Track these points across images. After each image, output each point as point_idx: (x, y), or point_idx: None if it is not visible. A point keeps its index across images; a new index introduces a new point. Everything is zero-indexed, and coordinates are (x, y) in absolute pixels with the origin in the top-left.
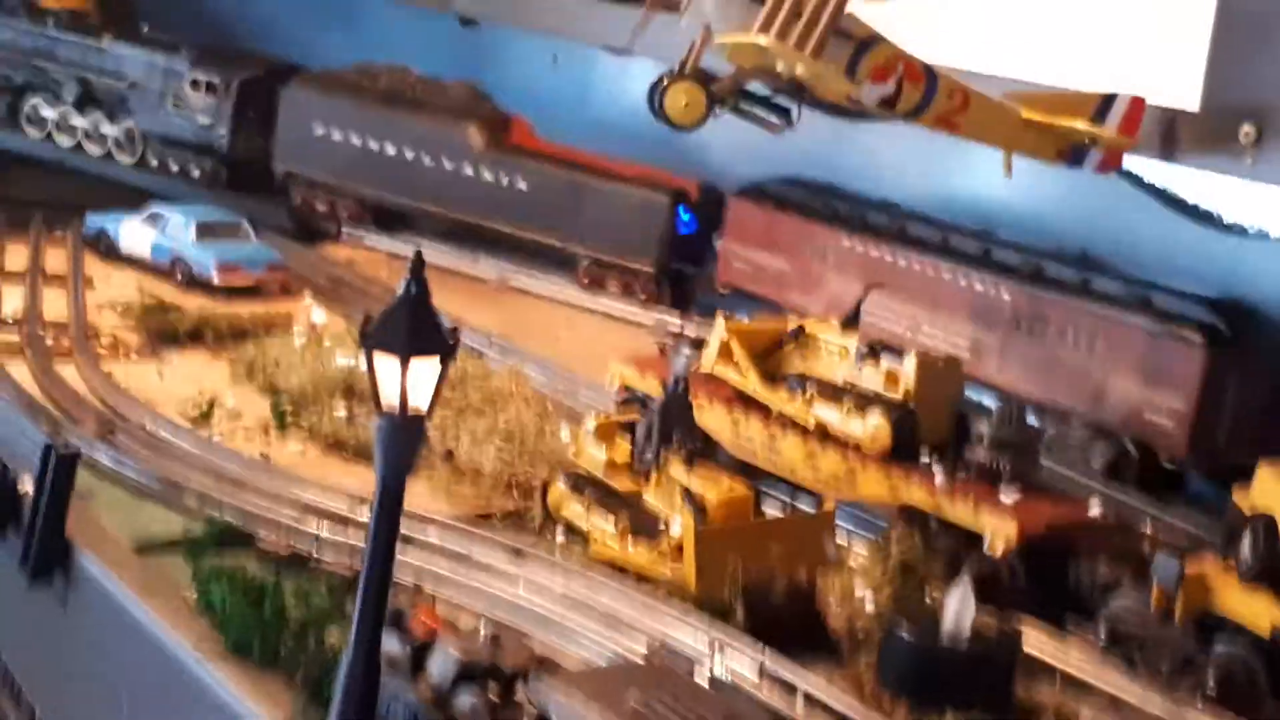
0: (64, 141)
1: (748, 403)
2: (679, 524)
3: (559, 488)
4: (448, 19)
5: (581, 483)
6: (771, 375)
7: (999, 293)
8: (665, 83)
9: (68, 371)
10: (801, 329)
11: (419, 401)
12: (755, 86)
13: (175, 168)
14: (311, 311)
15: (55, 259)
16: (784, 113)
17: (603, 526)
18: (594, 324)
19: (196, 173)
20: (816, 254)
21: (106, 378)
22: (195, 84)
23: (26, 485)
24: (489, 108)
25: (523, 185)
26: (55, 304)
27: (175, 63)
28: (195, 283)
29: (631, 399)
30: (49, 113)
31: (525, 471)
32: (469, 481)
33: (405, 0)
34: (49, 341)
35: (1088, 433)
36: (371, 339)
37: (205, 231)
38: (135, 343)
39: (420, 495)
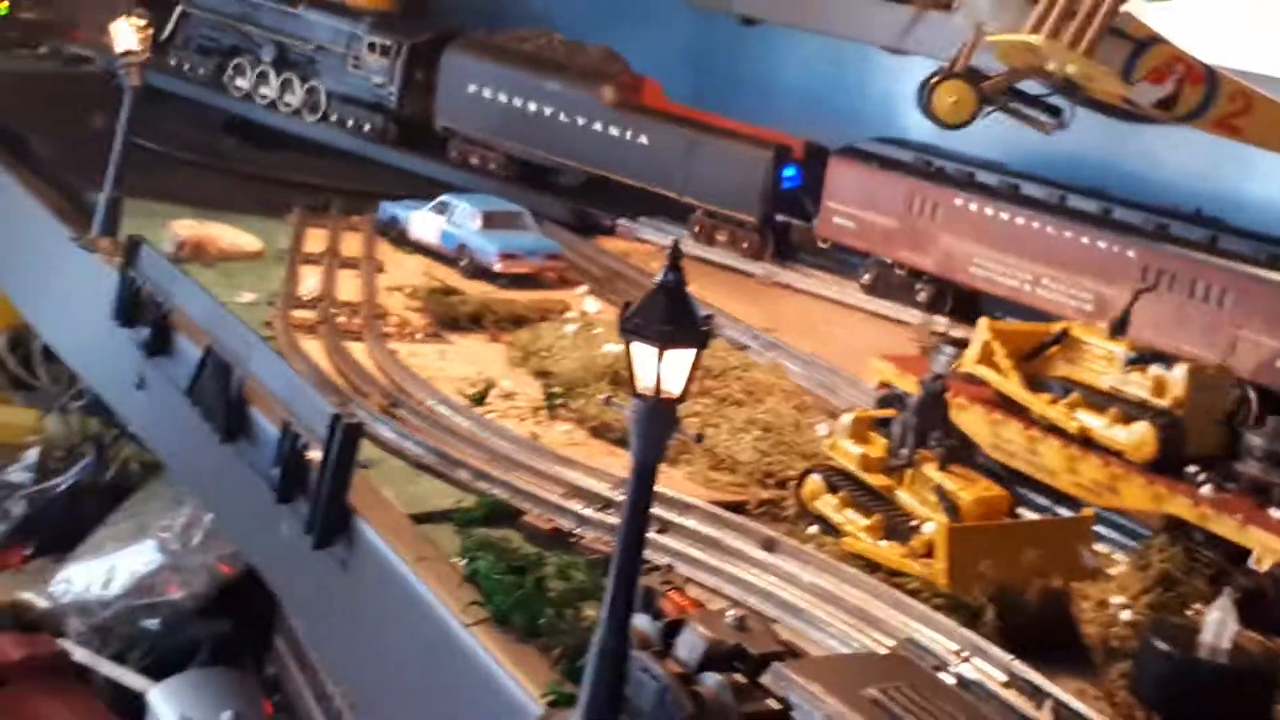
0: (262, 102)
1: (1008, 405)
2: (932, 522)
3: (813, 481)
4: (729, 20)
5: (836, 477)
6: (1033, 378)
7: (1123, 250)
8: (934, 81)
9: (357, 349)
10: (1066, 332)
11: (672, 386)
12: (1027, 86)
13: (350, 123)
14: (585, 300)
15: (350, 243)
16: (1056, 113)
17: (855, 521)
18: (859, 322)
19: (367, 128)
20: (925, 211)
21: (392, 356)
22: (371, 46)
23: (315, 455)
24: (621, 69)
25: (644, 140)
26: (348, 286)
27: (357, 27)
28: (478, 270)
29: (891, 397)
30: (247, 77)
31: (781, 463)
32: (726, 470)
33: (693, 4)
34: (341, 320)
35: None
36: (630, 326)
37: (490, 221)
38: (420, 324)
39: (678, 482)
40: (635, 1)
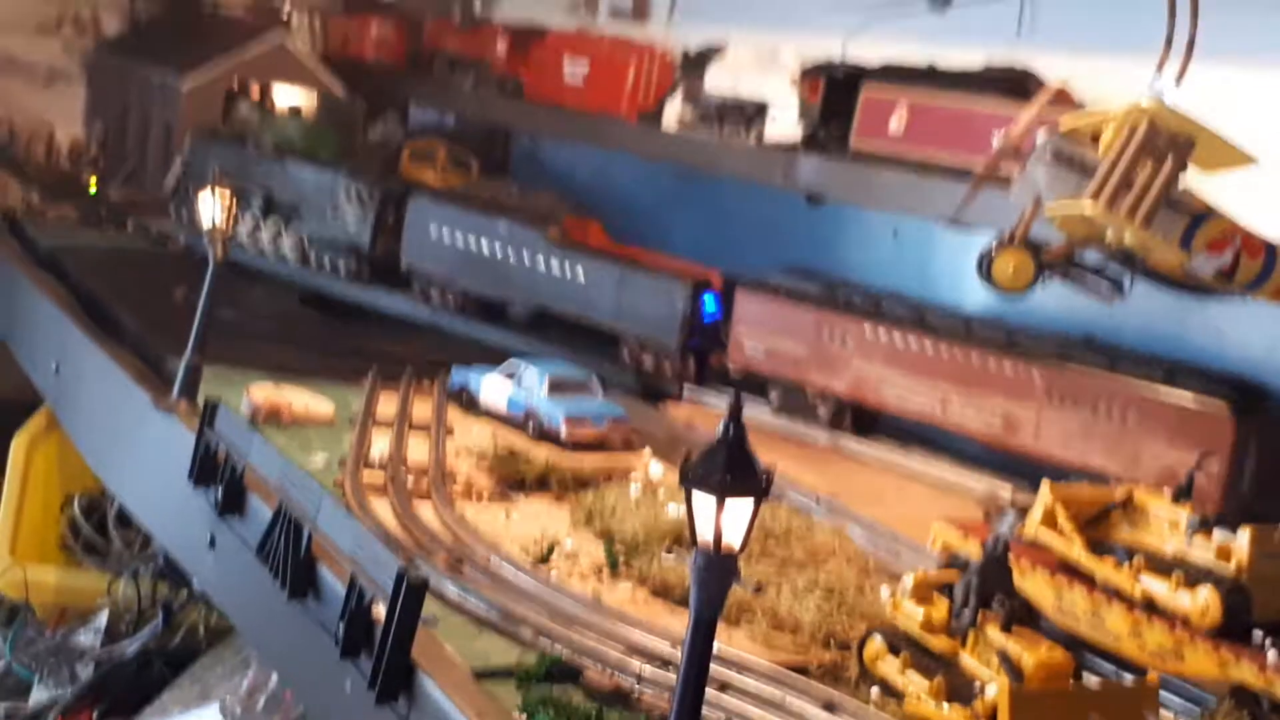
0: (251, 247)
1: (1071, 570)
2: (994, 685)
3: (875, 642)
4: (793, 197)
5: (898, 640)
6: (1097, 543)
7: (1028, 371)
8: (994, 250)
9: (424, 509)
10: (1129, 497)
11: (732, 537)
12: (1087, 256)
13: (328, 264)
14: (650, 465)
15: (421, 409)
16: (1115, 283)
17: (917, 683)
18: (922, 490)
19: (343, 269)
20: (832, 338)
21: (459, 517)
22: (349, 193)
23: (380, 610)
24: (564, 212)
25: (580, 275)
26: (418, 449)
27: (336, 178)
28: (545, 434)
29: (953, 562)
30: (246, 221)
31: (843, 625)
32: (788, 631)
33: (759, 181)
34: (409, 482)
35: None
36: (690, 476)
37: (556, 387)
38: (487, 487)
39: (739, 642)
40: (705, 183)
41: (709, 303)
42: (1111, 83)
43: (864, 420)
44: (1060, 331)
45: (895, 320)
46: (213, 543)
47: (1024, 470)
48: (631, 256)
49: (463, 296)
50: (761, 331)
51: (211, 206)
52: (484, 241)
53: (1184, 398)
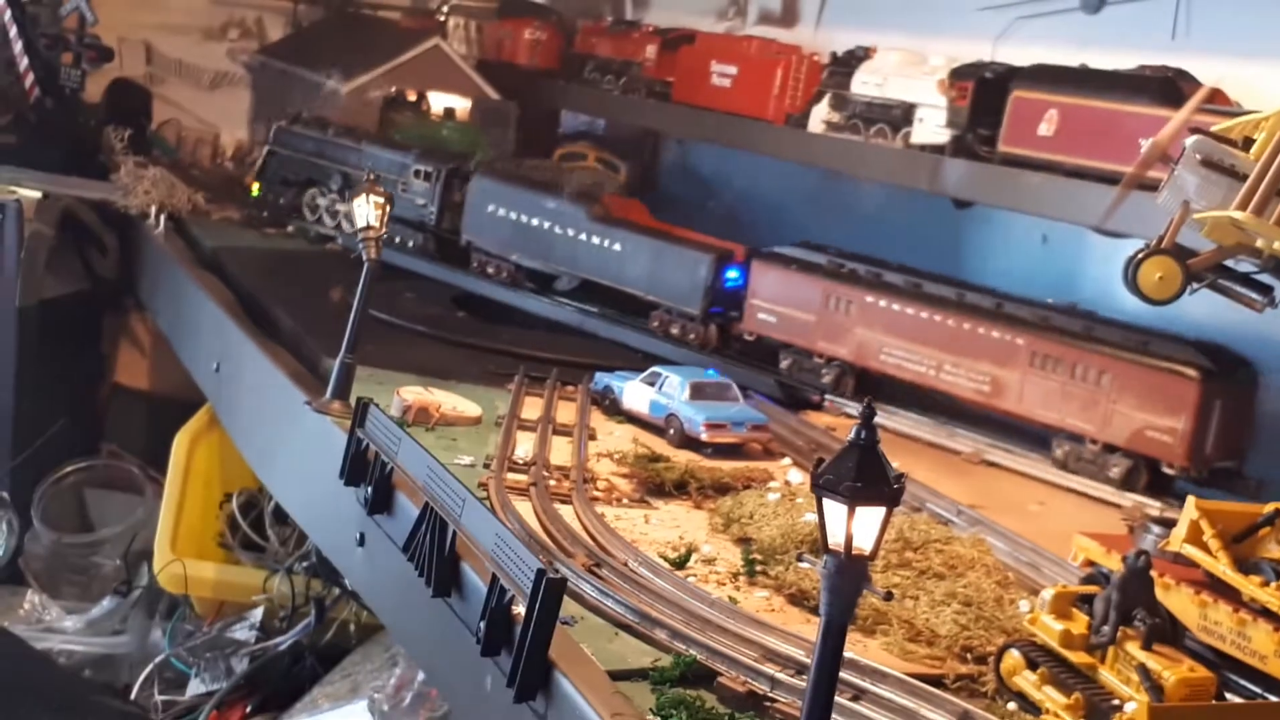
0: (330, 222)
1: (1216, 586)
2: (1134, 703)
3: (1013, 656)
4: (941, 201)
5: (1036, 653)
6: (1243, 559)
7: (1012, 339)
8: (1140, 257)
9: (565, 511)
10: (1278, 513)
11: (863, 543)
12: (1238, 264)
13: (398, 239)
14: (789, 471)
15: (565, 412)
16: (1265, 290)
17: (1055, 699)
18: (1067, 502)
19: (411, 243)
20: (837, 307)
21: (598, 518)
22: (417, 173)
23: (520, 610)
24: (609, 190)
25: (618, 248)
26: (561, 451)
27: (406, 158)
28: (686, 439)
29: (1094, 575)
30: (322, 201)
31: (981, 638)
32: (924, 643)
33: (905, 185)
34: (552, 483)
35: (1099, 448)
36: (821, 482)
37: (697, 392)
38: (627, 489)
39: (874, 652)
40: (851, 187)
41: (731, 274)
42: (1268, 87)
43: (865, 385)
44: (1045, 299)
45: (893, 290)
46: (362, 541)
47: (1010, 428)
48: (665, 231)
49: (515, 269)
50: (773, 300)
51: (365, 208)
52: (534, 218)
53: (1154, 363)
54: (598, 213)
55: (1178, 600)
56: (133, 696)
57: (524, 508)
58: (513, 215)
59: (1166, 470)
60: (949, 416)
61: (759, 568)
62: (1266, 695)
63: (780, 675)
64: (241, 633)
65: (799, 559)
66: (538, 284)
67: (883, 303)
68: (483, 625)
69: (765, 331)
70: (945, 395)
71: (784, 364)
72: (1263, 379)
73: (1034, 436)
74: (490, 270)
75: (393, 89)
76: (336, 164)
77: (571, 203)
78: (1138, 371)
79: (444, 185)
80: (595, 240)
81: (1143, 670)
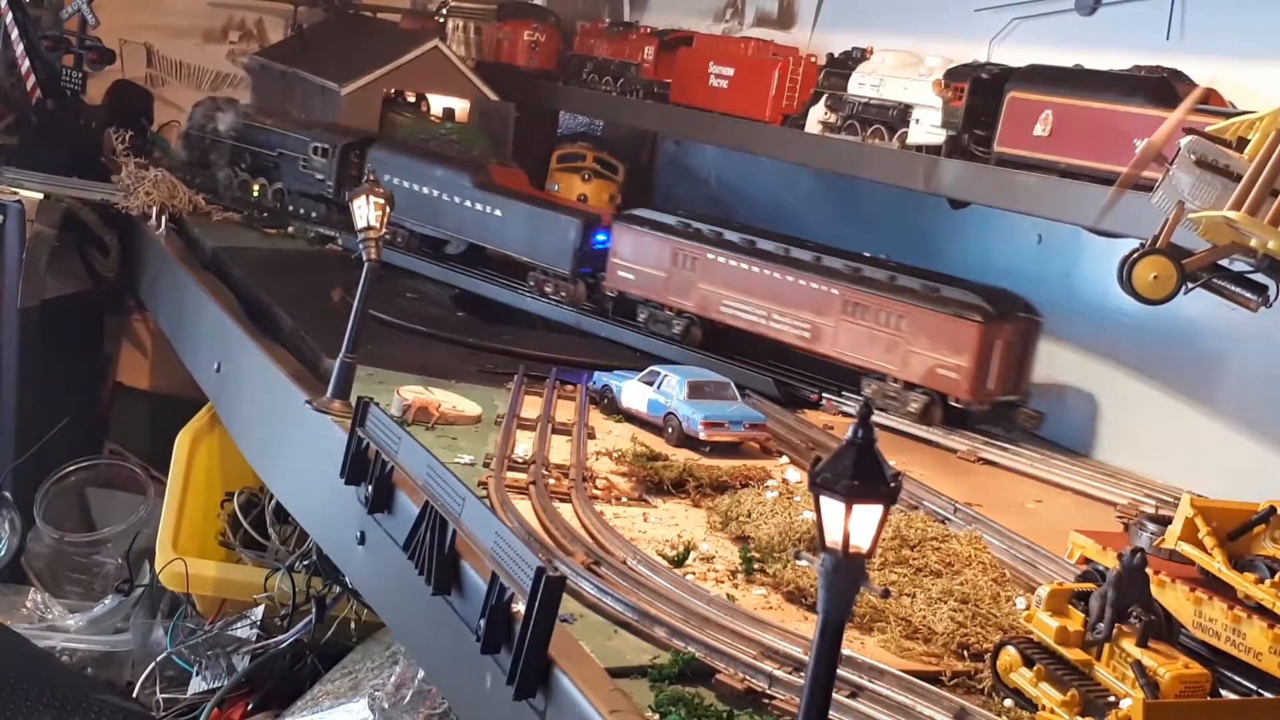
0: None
1: (1211, 583)
2: (1130, 699)
3: (1009, 653)
4: (936, 200)
5: (1032, 650)
6: (1238, 557)
7: (829, 289)
8: (1135, 257)
9: (565, 509)
10: (1273, 510)
11: (860, 541)
12: (1233, 263)
13: (301, 210)
14: (786, 469)
15: (564, 410)
16: (1260, 289)
17: (1051, 695)
18: (1063, 499)
19: (314, 214)
20: (684, 264)
21: (597, 517)
22: (315, 149)
23: (519, 608)
24: (492, 160)
25: (499, 213)
26: (560, 450)
27: (306, 136)
28: (684, 437)
29: (1090, 573)
30: (231, 177)
31: (977, 635)
32: (920, 640)
33: (901, 185)
34: (551, 482)
35: (900, 386)
36: (818, 480)
37: (695, 391)
38: (626, 488)
39: (871, 649)
40: (848, 187)
41: (599, 236)
42: (1262, 87)
43: (711, 335)
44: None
45: (730, 247)
46: (362, 539)
47: (828, 371)
48: (540, 198)
49: (409, 234)
50: (631, 259)
51: (366, 208)
52: (424, 186)
53: (943, 309)
54: (481, 181)
55: (1173, 597)
56: (135, 694)
57: (523, 506)
58: (405, 184)
59: (954, 404)
60: (780, 362)
61: (757, 565)
62: (1261, 692)
63: (778, 672)
64: (243, 631)
65: (797, 557)
66: (431, 249)
67: (721, 259)
68: (482, 623)
69: (625, 288)
70: (775, 342)
71: (641, 317)
72: (1043, 321)
73: (849, 376)
74: (386, 236)
75: (391, 89)
76: (250, 144)
77: (457, 172)
78: (929, 316)
79: (339, 160)
80: (479, 207)
81: (1138, 667)
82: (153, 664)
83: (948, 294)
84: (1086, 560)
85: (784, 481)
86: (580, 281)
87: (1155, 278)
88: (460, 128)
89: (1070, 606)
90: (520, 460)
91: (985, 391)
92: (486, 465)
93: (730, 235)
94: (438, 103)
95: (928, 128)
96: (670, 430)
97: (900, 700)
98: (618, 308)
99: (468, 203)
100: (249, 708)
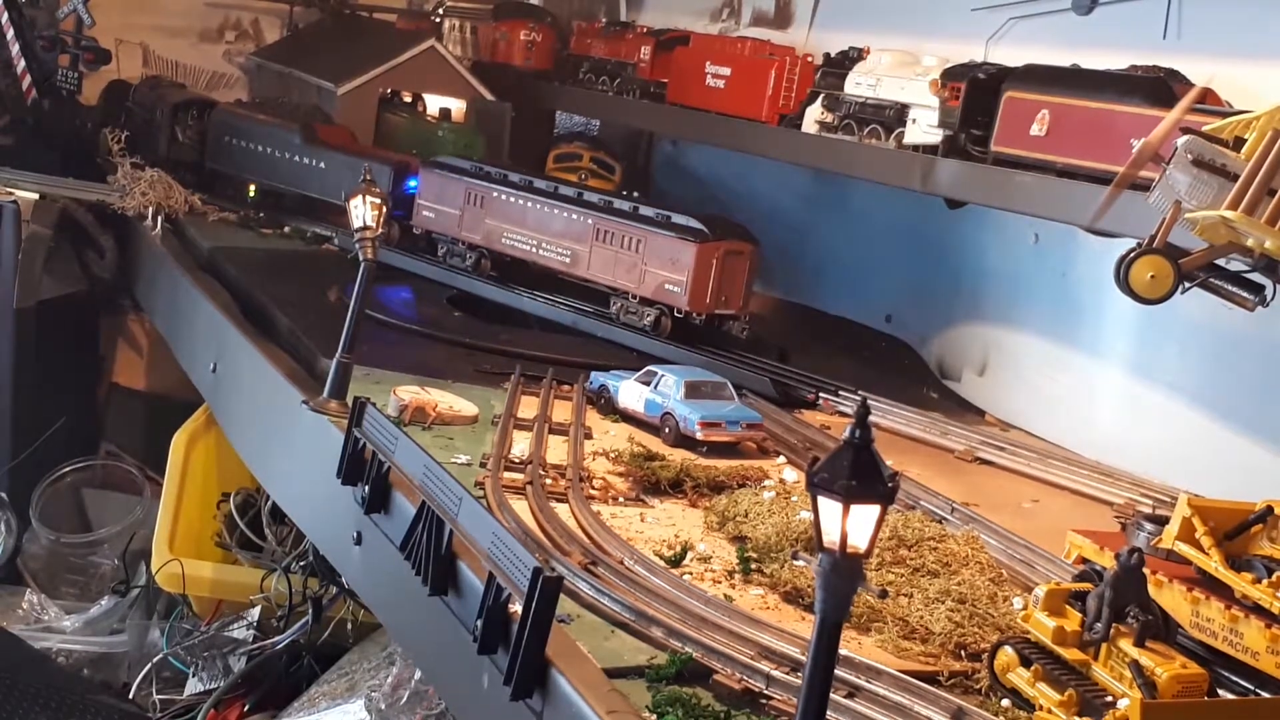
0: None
1: (1209, 583)
2: (1127, 699)
3: (1006, 653)
4: (933, 200)
5: (1030, 650)
6: (1235, 556)
7: (585, 219)
8: (1132, 256)
9: (561, 509)
10: (1270, 510)
11: (858, 541)
12: (1230, 263)
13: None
14: (784, 469)
15: (560, 411)
16: (1257, 289)
17: (1048, 695)
18: (1060, 499)
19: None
20: (474, 202)
21: (594, 517)
22: (160, 113)
23: (516, 608)
24: (321, 116)
25: (323, 165)
26: (557, 450)
27: (161, 99)
28: (681, 437)
29: (1088, 572)
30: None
31: (974, 635)
32: (918, 640)
33: (898, 185)
34: (548, 482)
35: (637, 302)
36: (816, 481)
37: (693, 391)
38: (623, 488)
39: (869, 649)
40: (845, 186)
41: (411, 182)
42: (1259, 87)
43: (497, 265)
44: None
45: (511, 185)
46: (359, 540)
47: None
48: (359, 150)
49: (244, 187)
50: (433, 200)
51: (362, 208)
52: (260, 144)
53: (669, 234)
54: (308, 136)
55: (1170, 597)
56: (131, 695)
57: (520, 506)
58: (243, 143)
59: (678, 315)
60: (550, 287)
61: (754, 566)
62: (1258, 691)
63: (775, 673)
64: (239, 632)
65: (794, 557)
66: (273, 200)
67: (502, 196)
68: (479, 623)
69: (428, 226)
70: (543, 268)
71: (440, 252)
72: (757, 245)
73: (600, 297)
74: (230, 192)
75: (387, 89)
76: (142, 110)
77: (287, 130)
78: (659, 240)
79: (172, 117)
80: (306, 160)
81: (1135, 667)
82: (149, 665)
83: (676, 220)
84: (1084, 560)
85: (781, 481)
86: (395, 224)
87: (1152, 277)
88: (457, 127)
89: (1067, 606)
90: (517, 460)
91: (703, 304)
92: (483, 465)
93: (513, 176)
94: (434, 103)
95: (924, 127)
96: (667, 430)
97: (897, 700)
98: (425, 246)
99: (297, 157)
100: (245, 709)
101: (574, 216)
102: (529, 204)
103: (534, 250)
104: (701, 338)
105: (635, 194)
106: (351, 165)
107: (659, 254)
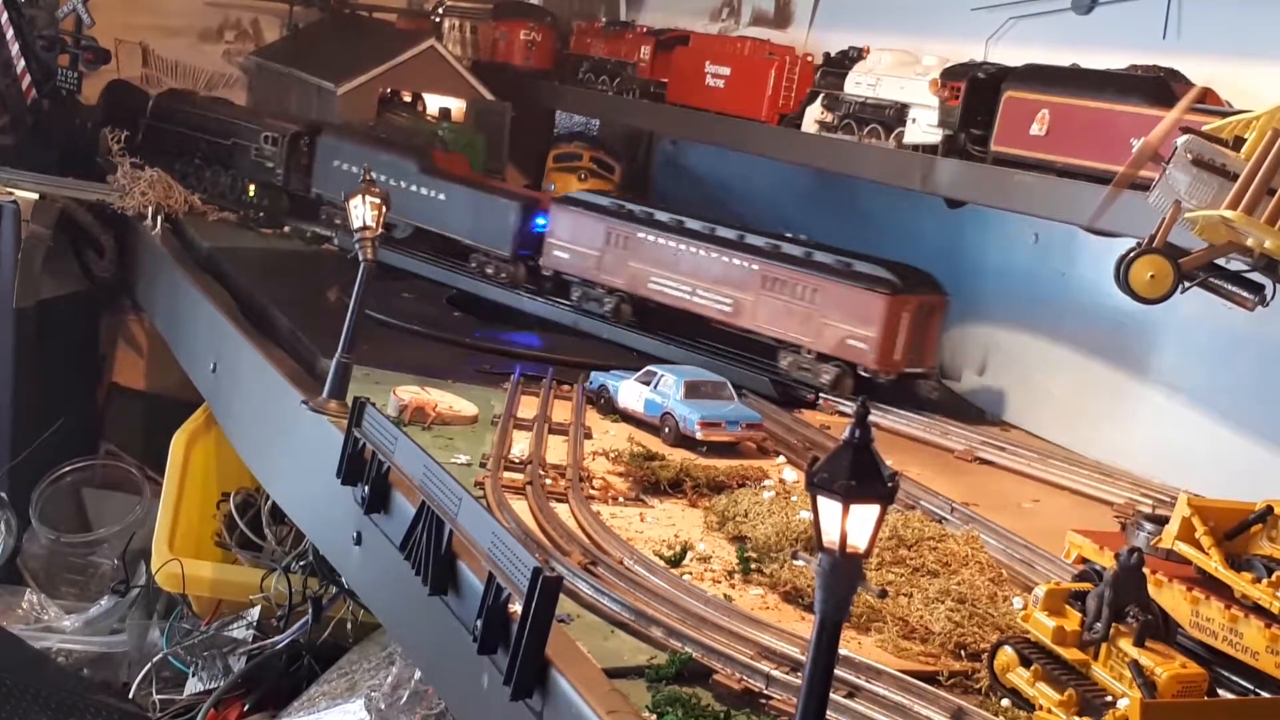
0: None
1: (1208, 583)
2: (1127, 699)
3: (1006, 653)
4: (933, 199)
5: (1029, 650)
6: (1235, 556)
7: (749, 265)
8: (1132, 256)
9: (561, 509)
10: (1270, 510)
11: (858, 541)
12: (1230, 263)
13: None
14: (783, 469)
15: (560, 410)
16: (1257, 289)
17: (1048, 695)
18: (1060, 499)
19: (266, 200)
20: (616, 243)
21: (594, 517)
22: (266, 139)
23: (516, 608)
24: (436, 146)
25: (443, 197)
26: (557, 450)
27: (254, 124)
28: (680, 437)
29: (1087, 572)
30: (193, 165)
31: (974, 635)
32: (918, 640)
33: (898, 184)
34: (548, 482)
35: (813, 358)
36: (816, 480)
37: (692, 391)
38: (623, 488)
39: (868, 649)
40: (845, 186)
41: (540, 220)
42: (1259, 86)
43: (641, 312)
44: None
45: (659, 226)
46: (359, 540)
47: (749, 344)
48: (482, 182)
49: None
50: (566, 239)
51: (362, 208)
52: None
53: (853, 283)
54: (425, 166)
55: (1170, 597)
56: (131, 695)
57: (520, 506)
58: (353, 169)
59: (864, 374)
60: (702, 337)
61: (754, 565)
62: (1258, 691)
63: (775, 672)
64: (239, 631)
65: (794, 557)
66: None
67: (650, 238)
68: (479, 623)
69: (560, 268)
70: (698, 317)
71: (574, 296)
72: (949, 297)
73: (767, 349)
74: (338, 221)
75: (387, 89)
76: (204, 134)
77: (402, 157)
78: (840, 290)
79: (289, 148)
80: (424, 191)
81: (1135, 667)
82: (149, 665)
83: (859, 269)
84: (1083, 560)
85: (781, 481)
86: (520, 263)
87: (1152, 277)
88: (456, 127)
89: (1067, 606)
90: (517, 460)
91: (892, 362)
92: (483, 465)
93: (660, 215)
94: (434, 102)
95: (924, 127)
96: (667, 430)
97: (897, 700)
98: (554, 288)
99: (413, 187)
100: (245, 709)
101: (736, 261)
102: (681, 246)
103: (688, 297)
104: (889, 398)
105: (804, 237)
106: (473, 199)
107: (839, 305)
